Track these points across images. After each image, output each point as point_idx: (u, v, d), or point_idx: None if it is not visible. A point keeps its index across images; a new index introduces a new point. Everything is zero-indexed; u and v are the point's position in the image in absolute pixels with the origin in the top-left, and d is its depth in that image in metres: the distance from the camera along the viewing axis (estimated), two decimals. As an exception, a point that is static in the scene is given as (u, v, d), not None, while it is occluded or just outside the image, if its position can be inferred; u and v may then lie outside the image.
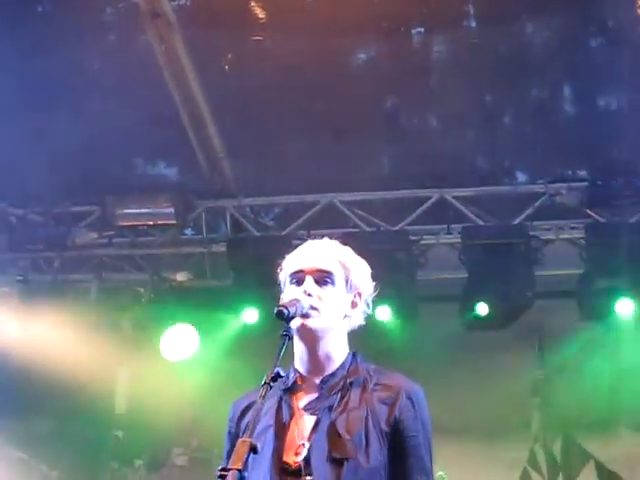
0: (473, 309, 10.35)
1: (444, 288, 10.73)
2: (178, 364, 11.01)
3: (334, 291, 3.94)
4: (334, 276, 3.95)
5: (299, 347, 3.91)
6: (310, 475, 3.71)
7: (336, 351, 3.93)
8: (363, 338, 4.12)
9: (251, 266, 10.61)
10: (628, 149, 10.55)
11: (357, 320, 4.03)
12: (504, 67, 10.36)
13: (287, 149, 11.04)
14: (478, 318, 10.36)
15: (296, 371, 3.93)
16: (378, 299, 4.09)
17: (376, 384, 3.89)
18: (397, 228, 10.90)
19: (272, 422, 3.83)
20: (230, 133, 10.92)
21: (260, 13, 10.21)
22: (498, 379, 10.61)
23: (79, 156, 10.59)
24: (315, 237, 4.23)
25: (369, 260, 4.11)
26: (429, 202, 10.88)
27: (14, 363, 10.65)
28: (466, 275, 10.53)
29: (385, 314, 10.14)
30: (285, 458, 3.75)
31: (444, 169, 10.83)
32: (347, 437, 3.73)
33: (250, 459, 3.48)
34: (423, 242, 10.81)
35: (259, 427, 3.71)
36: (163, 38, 10.17)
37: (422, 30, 10.61)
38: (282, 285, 4.02)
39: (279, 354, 3.71)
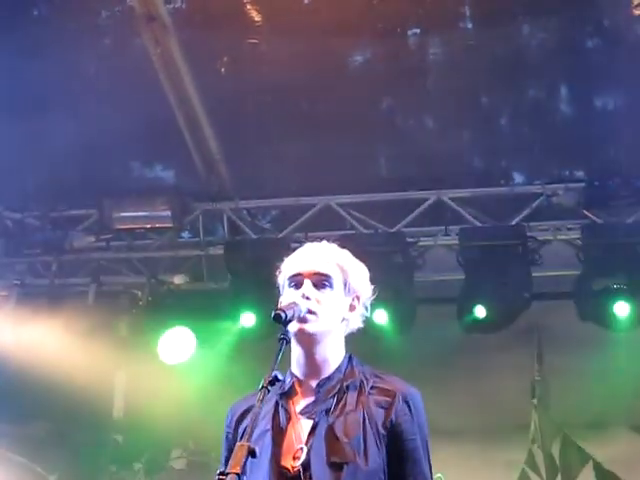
0: (471, 311, 10.33)
1: (442, 290, 10.72)
2: (176, 367, 10.99)
3: (332, 294, 3.93)
4: (332, 279, 3.95)
5: (296, 351, 3.91)
6: (310, 479, 3.71)
7: (333, 355, 3.93)
8: (361, 340, 4.12)
9: (248, 269, 10.61)
10: (625, 149, 10.56)
11: (355, 323, 4.03)
12: (500, 68, 10.36)
13: (283, 151, 11.03)
14: (476, 320, 10.36)
15: (292, 375, 3.93)
16: (375, 301, 4.09)
17: (372, 387, 3.89)
18: (394, 230, 10.89)
19: (269, 427, 3.82)
20: (226, 135, 10.91)
21: (256, 16, 10.20)
22: (496, 380, 10.61)
23: (76, 160, 10.58)
24: (312, 239, 4.23)
25: (366, 262, 4.11)
26: (426, 204, 10.88)
27: (12, 367, 10.63)
28: (464, 277, 10.53)
29: (382, 316, 10.13)
30: (283, 463, 3.75)
31: (441, 170, 10.83)
32: (345, 440, 3.72)
33: (248, 463, 3.47)
34: (420, 244, 10.79)
35: (256, 432, 3.70)
36: (159, 41, 10.16)
37: (418, 31, 10.61)
38: (281, 288, 4.02)
39: (277, 358, 3.70)
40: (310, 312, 3.85)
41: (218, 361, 10.83)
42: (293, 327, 3.82)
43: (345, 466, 3.68)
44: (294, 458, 3.74)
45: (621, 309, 10.08)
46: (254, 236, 11.22)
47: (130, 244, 11.54)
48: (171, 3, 10.44)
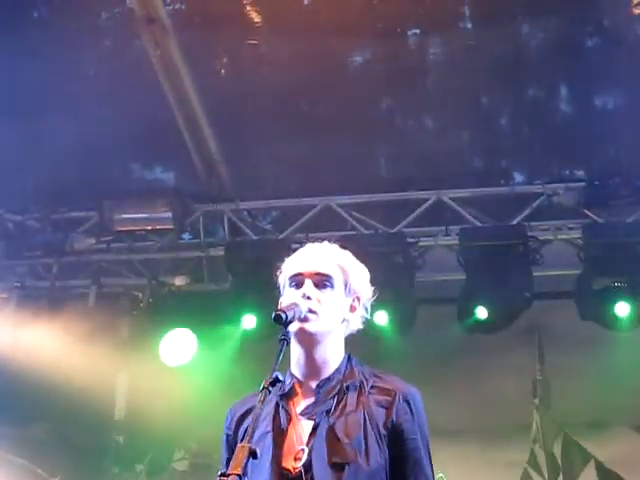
0: (472, 311, 10.33)
1: (442, 290, 10.72)
2: (177, 369, 10.99)
3: (333, 294, 3.93)
4: (333, 280, 3.95)
5: (296, 351, 3.91)
6: (311, 480, 3.71)
7: (333, 355, 3.93)
8: (361, 341, 4.12)
9: (249, 270, 10.61)
10: (625, 149, 10.55)
11: (355, 324, 4.03)
12: (500, 68, 10.35)
13: (283, 152, 11.03)
14: (477, 320, 10.35)
15: (292, 376, 3.92)
16: (376, 301, 4.09)
17: (372, 387, 3.89)
18: (395, 230, 10.89)
19: (270, 428, 3.82)
20: (226, 136, 10.91)
21: (255, 17, 10.20)
22: (496, 380, 10.60)
23: (76, 161, 10.59)
24: (313, 240, 4.22)
25: (367, 263, 4.11)
26: (426, 204, 10.88)
27: (12, 369, 10.63)
28: (464, 277, 10.52)
29: (383, 317, 10.12)
30: (284, 464, 3.74)
31: (441, 170, 10.83)
32: (346, 441, 3.72)
33: (249, 465, 3.47)
34: (421, 244, 10.79)
35: (257, 433, 3.70)
36: (158, 42, 10.16)
37: (418, 31, 10.61)
38: (281, 288, 4.02)
39: (277, 359, 3.70)
40: (311, 311, 3.85)
41: (219, 362, 10.82)
42: (294, 327, 3.81)
43: (346, 466, 3.68)
44: (295, 459, 3.73)
45: (622, 309, 10.08)
46: (255, 237, 11.22)
47: (131, 246, 11.54)
48: (171, 4, 10.45)
